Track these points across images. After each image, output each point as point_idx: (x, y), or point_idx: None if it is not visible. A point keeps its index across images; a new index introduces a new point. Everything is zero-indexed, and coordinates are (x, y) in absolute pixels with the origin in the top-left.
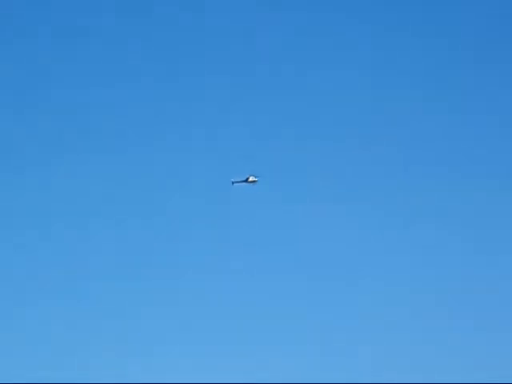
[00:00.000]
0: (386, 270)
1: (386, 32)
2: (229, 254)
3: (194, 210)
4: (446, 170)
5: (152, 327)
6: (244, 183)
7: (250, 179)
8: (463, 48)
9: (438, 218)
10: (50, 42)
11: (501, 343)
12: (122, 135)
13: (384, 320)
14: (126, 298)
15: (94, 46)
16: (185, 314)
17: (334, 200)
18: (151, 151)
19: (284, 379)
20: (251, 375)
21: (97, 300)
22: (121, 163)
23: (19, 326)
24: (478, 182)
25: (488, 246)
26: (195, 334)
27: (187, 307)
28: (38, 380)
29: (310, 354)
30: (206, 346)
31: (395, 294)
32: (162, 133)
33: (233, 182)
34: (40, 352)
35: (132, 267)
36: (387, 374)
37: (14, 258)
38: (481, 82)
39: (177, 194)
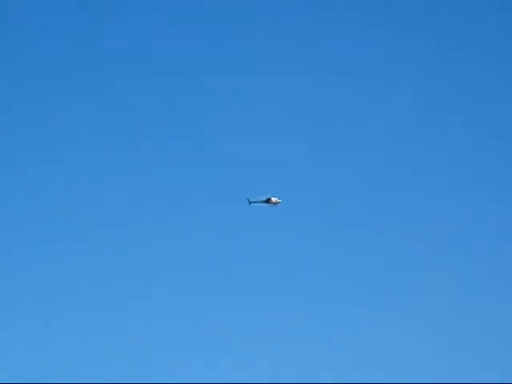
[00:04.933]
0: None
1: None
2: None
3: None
4: None
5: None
6: (264, 204)
7: (273, 200)
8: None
9: None
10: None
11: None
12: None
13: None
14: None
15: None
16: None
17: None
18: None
19: (283, 379)
20: (251, 375)
21: (97, 301)
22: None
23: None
24: None
25: None
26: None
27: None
28: (38, 380)
29: (310, 354)
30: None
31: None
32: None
33: (250, 202)
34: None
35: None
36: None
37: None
38: None
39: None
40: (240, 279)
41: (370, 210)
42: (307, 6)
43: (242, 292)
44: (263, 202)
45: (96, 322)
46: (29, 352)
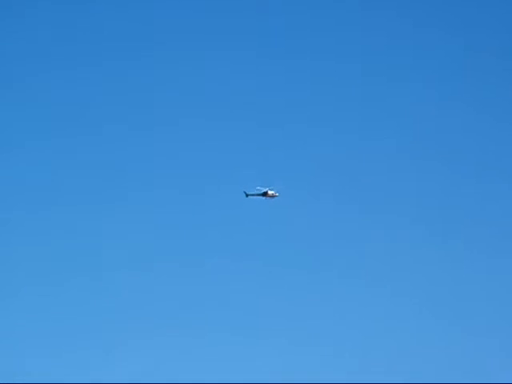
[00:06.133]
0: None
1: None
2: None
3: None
4: None
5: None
6: (261, 197)
7: (270, 193)
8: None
9: None
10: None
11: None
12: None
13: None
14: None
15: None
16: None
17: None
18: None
19: (283, 379)
20: (251, 375)
21: (97, 298)
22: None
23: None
24: None
25: None
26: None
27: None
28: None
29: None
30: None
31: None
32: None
33: (247, 195)
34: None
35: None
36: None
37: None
38: None
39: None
40: (240, 279)
41: (371, 209)
42: (308, 6)
43: (242, 292)
44: (260, 195)
45: (95, 321)
46: (28, 351)
